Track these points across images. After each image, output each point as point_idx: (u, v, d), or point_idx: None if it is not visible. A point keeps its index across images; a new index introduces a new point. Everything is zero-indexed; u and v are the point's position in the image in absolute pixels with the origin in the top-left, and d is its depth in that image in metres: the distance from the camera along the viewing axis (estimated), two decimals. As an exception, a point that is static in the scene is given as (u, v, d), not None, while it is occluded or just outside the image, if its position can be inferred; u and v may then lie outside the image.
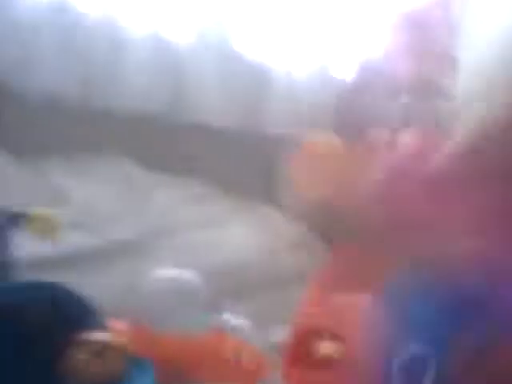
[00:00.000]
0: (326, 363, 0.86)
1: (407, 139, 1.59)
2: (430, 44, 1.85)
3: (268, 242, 1.59)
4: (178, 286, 1.02)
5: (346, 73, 1.87)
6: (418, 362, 0.79)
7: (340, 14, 1.82)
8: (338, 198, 1.58)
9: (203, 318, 1.04)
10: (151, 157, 1.69)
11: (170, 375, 0.91)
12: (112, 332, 0.81)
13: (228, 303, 1.20)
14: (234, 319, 1.10)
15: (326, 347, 0.86)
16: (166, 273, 1.04)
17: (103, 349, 0.76)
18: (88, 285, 0.99)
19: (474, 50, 1.76)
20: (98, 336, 0.78)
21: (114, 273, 1.28)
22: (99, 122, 1.65)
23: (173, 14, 1.69)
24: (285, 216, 1.71)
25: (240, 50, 1.75)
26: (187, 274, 1.05)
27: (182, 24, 1.71)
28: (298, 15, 1.80)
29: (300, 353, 0.92)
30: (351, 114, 1.85)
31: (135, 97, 1.68)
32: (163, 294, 1.00)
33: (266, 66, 1.79)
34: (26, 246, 1.15)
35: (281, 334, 1.37)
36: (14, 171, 1.53)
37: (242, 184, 1.73)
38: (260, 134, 1.79)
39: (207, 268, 1.24)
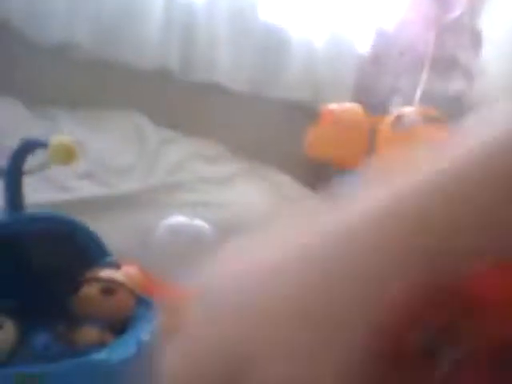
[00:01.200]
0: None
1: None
2: (451, 17, 1.82)
3: (275, 204, 1.60)
4: (189, 231, 1.02)
5: (364, 42, 1.86)
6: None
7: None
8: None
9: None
10: (163, 113, 1.69)
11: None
12: (123, 272, 0.81)
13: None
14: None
15: None
16: (177, 219, 1.05)
17: (114, 286, 0.76)
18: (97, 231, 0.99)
19: (499, 26, 1.74)
20: (110, 273, 0.78)
21: (122, 222, 1.29)
22: (113, 76, 1.65)
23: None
24: (293, 179, 1.72)
25: (255, 11, 1.74)
26: (198, 222, 1.05)
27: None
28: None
29: None
30: (370, 84, 1.84)
31: (148, 52, 1.67)
32: (173, 238, 1.00)
33: (283, 31, 1.77)
34: (37, 192, 1.16)
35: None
36: (27, 120, 1.52)
37: (253, 147, 1.73)
38: (275, 98, 1.78)
39: (214, 223, 1.24)
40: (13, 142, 1.41)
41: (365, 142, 1.65)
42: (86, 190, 1.38)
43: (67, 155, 0.73)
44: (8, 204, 0.75)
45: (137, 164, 1.53)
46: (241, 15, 1.71)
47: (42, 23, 1.55)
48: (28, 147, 0.74)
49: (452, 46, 1.81)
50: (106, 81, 1.63)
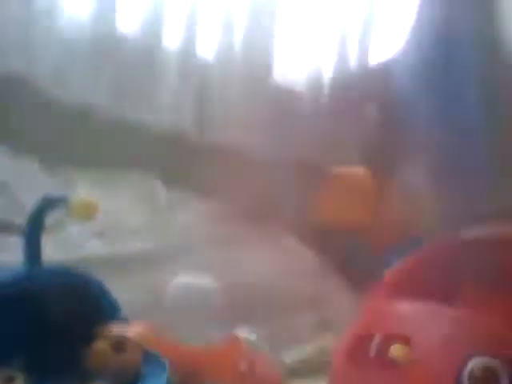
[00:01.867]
0: (391, 365, 0.86)
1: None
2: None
3: (284, 267, 1.61)
4: (195, 289, 1.04)
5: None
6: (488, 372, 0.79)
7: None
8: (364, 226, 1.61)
9: (217, 328, 1.05)
10: (174, 174, 1.72)
11: (182, 380, 0.92)
12: (133, 328, 0.83)
13: (241, 322, 1.21)
14: (247, 333, 1.11)
15: (397, 349, 0.86)
16: (187, 278, 1.07)
17: (124, 342, 0.78)
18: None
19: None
20: (120, 329, 0.80)
21: (133, 280, 1.31)
22: (127, 136, 1.69)
23: (201, 31, 1.74)
24: (300, 245, 1.74)
25: (269, 73, 1.80)
26: (204, 279, 1.07)
27: (208, 41, 1.77)
28: (329, 46, 1.86)
29: (360, 354, 0.92)
30: (377, 151, 1.88)
31: (162, 113, 1.72)
32: (180, 296, 1.02)
33: (295, 90, 1.83)
34: (49, 249, 1.19)
35: (292, 357, 1.38)
36: (42, 178, 1.56)
37: (264, 209, 1.75)
38: (286, 160, 1.82)
39: (222, 283, 1.26)
40: (28, 200, 1.45)
41: (372, 208, 1.68)
42: (98, 248, 1.40)
43: (88, 211, 0.76)
44: (27, 259, 0.78)
45: (148, 224, 1.56)
46: (254, 77, 1.77)
47: (62, 83, 1.60)
48: (49, 203, 0.77)
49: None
50: (120, 141, 1.68)
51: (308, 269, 1.64)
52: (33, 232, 0.79)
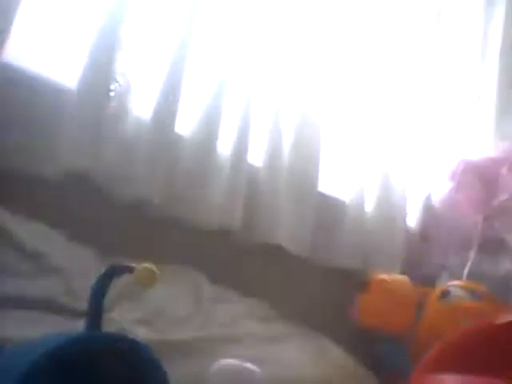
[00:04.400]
0: None
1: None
2: (498, 201, 1.92)
3: (321, 369, 1.62)
4: (240, 375, 1.06)
5: (413, 216, 1.97)
6: None
7: (408, 158, 1.96)
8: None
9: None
10: (220, 272, 1.78)
11: None
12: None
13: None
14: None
15: None
16: (230, 361, 1.10)
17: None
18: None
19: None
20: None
21: (175, 367, 1.33)
22: (177, 233, 1.77)
23: (252, 138, 1.85)
24: (339, 347, 1.75)
25: (314, 183, 1.88)
26: (249, 365, 1.10)
27: (258, 148, 1.87)
28: (367, 155, 1.94)
29: None
30: (418, 258, 1.92)
31: (211, 213, 1.80)
32: (224, 376, 1.05)
33: (339, 198, 1.91)
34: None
35: None
36: (95, 266, 1.63)
37: (305, 311, 1.79)
38: (329, 263, 1.87)
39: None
40: (80, 285, 1.51)
41: (412, 313, 1.70)
42: (142, 334, 1.44)
43: (152, 278, 0.82)
44: (89, 322, 0.83)
45: (191, 316, 1.60)
46: (300, 185, 1.85)
47: (121, 182, 1.70)
48: (115, 270, 0.83)
49: (500, 228, 1.89)
50: (169, 236, 1.75)
51: (346, 371, 1.64)
52: (96, 298, 0.84)
